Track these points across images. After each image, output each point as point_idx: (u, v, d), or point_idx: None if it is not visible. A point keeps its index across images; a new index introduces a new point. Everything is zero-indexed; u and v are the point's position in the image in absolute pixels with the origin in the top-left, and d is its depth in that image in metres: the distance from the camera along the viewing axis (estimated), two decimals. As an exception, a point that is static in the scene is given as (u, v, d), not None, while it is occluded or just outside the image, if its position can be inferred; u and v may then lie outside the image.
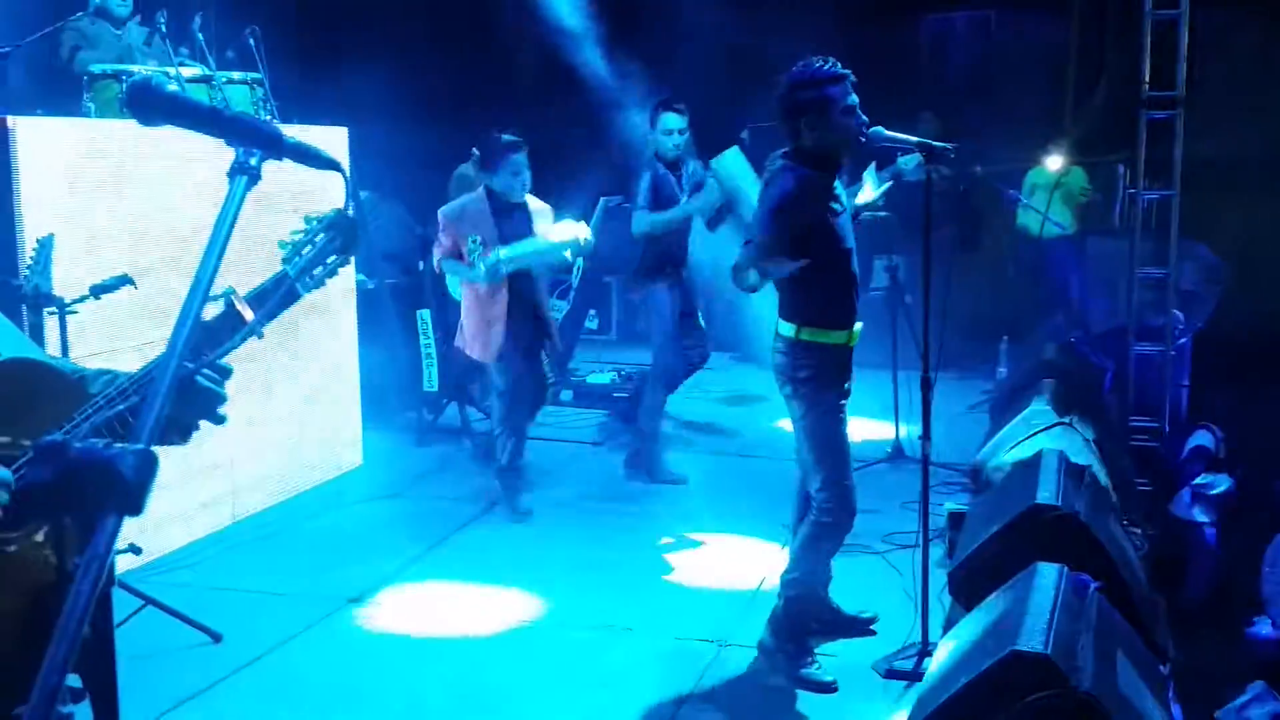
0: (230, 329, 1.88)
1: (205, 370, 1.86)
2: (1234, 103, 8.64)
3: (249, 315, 1.90)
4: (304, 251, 1.99)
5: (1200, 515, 5.26)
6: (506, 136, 5.89)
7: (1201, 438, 6.30)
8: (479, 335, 5.85)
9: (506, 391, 6.00)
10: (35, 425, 1.73)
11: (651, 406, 6.70)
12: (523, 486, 6.18)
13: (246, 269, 5.36)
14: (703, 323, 6.78)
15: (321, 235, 2.01)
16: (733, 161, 5.54)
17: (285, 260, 1.98)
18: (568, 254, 5.96)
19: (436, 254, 5.95)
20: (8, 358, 1.78)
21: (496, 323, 5.82)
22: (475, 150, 8.14)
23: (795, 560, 4.26)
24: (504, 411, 6.07)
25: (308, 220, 2.02)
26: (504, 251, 5.72)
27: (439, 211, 5.98)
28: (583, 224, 6.06)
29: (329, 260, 2.01)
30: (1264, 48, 9.07)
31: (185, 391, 1.82)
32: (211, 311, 1.87)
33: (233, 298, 1.90)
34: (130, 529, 4.63)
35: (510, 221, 5.88)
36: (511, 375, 5.94)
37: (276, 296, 1.95)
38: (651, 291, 6.52)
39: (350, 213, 2.06)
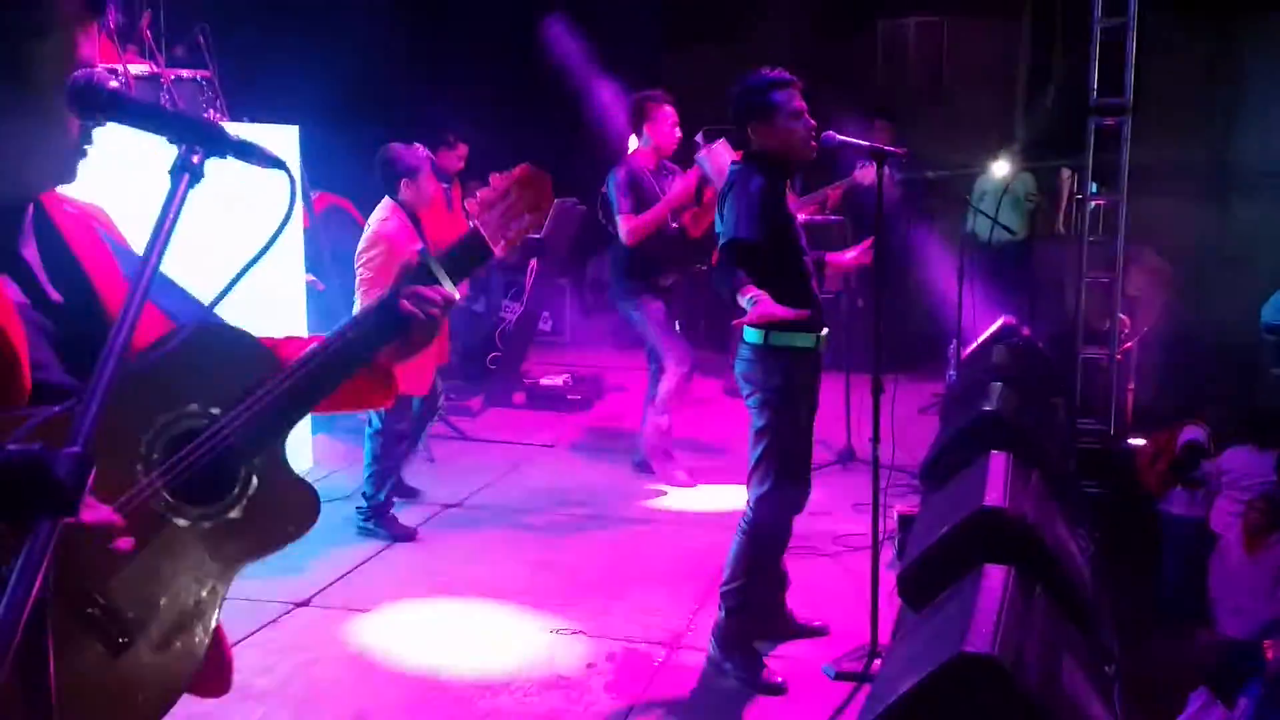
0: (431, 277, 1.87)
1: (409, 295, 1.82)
2: (1181, 109, 8.76)
3: (449, 287, 1.87)
4: None
5: (1195, 510, 5.36)
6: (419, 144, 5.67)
7: (1193, 433, 6.35)
8: (417, 370, 5.57)
9: (412, 424, 5.89)
10: (224, 393, 1.72)
11: (665, 401, 6.51)
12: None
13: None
14: None
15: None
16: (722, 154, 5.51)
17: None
18: None
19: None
20: (199, 324, 1.75)
21: (429, 356, 5.68)
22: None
23: (733, 570, 4.25)
24: (390, 448, 5.83)
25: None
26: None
27: (378, 235, 5.50)
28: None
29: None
30: (1210, 55, 9.21)
31: (389, 318, 1.81)
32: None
33: (428, 260, 1.89)
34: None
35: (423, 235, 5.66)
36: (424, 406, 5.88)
37: (467, 258, 1.94)
38: (641, 304, 6.40)
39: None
